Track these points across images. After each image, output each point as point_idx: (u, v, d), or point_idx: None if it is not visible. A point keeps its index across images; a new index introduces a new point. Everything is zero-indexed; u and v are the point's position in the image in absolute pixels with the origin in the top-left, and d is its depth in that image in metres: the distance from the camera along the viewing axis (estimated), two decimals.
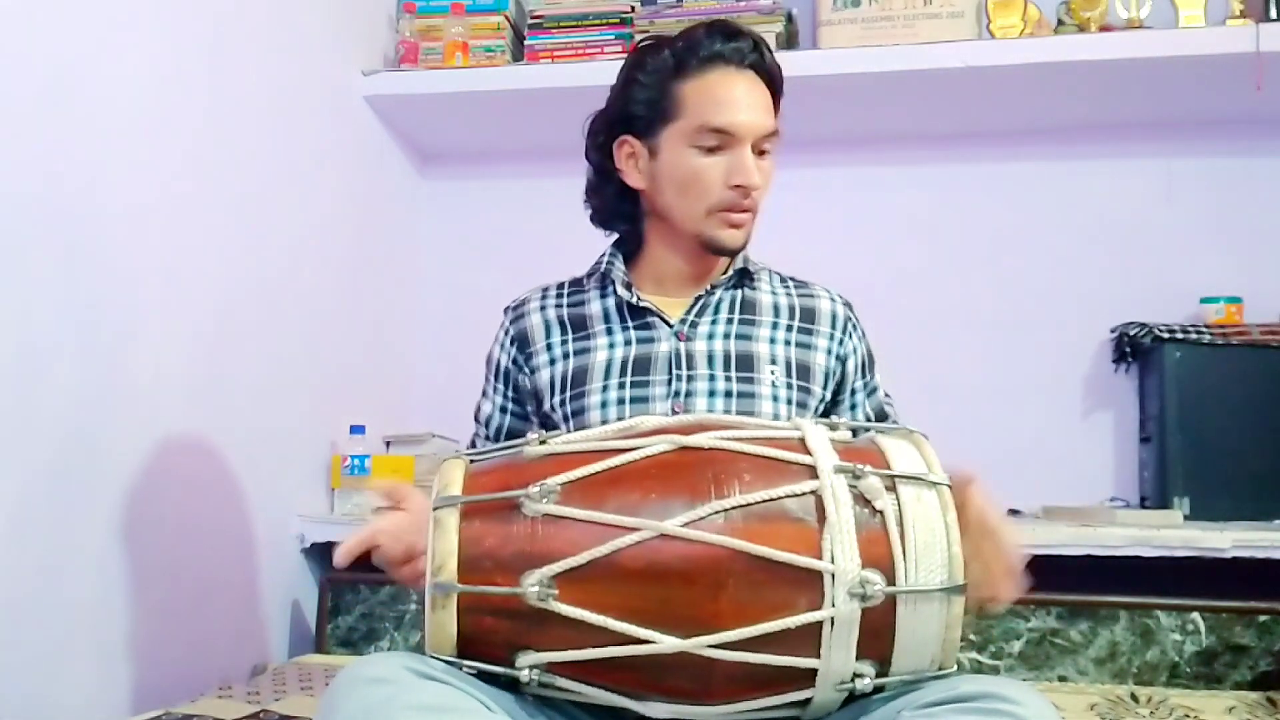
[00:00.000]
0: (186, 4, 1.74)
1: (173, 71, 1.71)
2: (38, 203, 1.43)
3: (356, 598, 2.07)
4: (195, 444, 1.77)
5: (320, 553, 2.14)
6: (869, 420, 1.38)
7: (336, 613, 2.08)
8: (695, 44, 1.29)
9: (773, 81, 1.32)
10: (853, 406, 1.38)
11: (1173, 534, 1.85)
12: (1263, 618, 1.82)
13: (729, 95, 1.27)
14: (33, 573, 1.42)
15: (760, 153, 1.29)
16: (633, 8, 2.37)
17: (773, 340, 1.33)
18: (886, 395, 1.44)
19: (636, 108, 1.31)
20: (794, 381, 1.31)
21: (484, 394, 1.44)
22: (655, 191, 1.32)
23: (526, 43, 2.40)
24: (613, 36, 2.34)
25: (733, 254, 1.34)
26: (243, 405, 1.90)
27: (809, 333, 1.35)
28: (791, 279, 1.42)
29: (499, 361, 1.41)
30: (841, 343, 1.37)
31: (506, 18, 2.42)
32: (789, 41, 2.32)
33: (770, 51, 1.32)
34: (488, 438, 1.42)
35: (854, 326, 1.40)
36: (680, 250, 1.34)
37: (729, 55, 1.28)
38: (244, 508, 1.92)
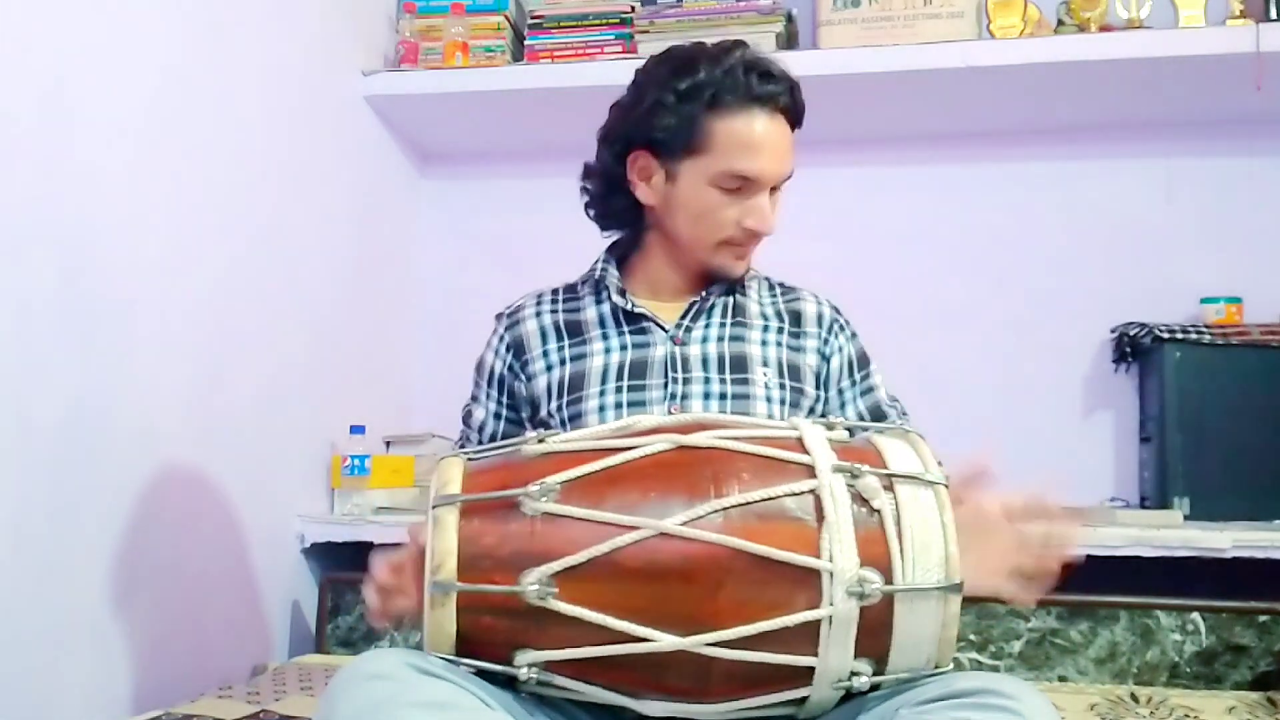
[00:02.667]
0: (186, 4, 1.74)
1: (172, 71, 1.71)
2: (38, 202, 1.43)
3: (356, 598, 2.07)
4: (195, 444, 1.77)
5: (320, 553, 2.14)
6: (862, 419, 1.38)
7: (336, 613, 2.08)
8: (734, 82, 1.26)
9: (797, 122, 1.32)
10: (841, 405, 1.38)
11: (1173, 534, 1.85)
12: (1263, 618, 1.82)
13: (758, 141, 1.27)
14: (33, 573, 1.42)
15: (774, 190, 1.31)
16: (633, 8, 2.36)
17: (764, 343, 1.34)
18: (893, 399, 1.43)
19: (661, 132, 1.29)
20: (786, 382, 1.31)
21: (474, 399, 1.43)
22: (666, 213, 1.33)
23: (526, 43, 2.40)
24: (613, 36, 2.34)
25: (734, 280, 1.36)
26: (243, 405, 1.90)
27: (798, 335, 1.37)
28: (779, 285, 1.44)
29: (493, 367, 1.41)
30: (827, 342, 1.38)
31: (506, 18, 2.42)
32: (789, 41, 2.32)
33: (799, 91, 1.31)
34: (480, 443, 1.42)
35: (840, 327, 1.40)
36: (680, 266, 1.37)
37: (764, 99, 1.27)
38: (244, 508, 1.92)
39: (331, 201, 2.25)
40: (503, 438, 1.38)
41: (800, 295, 1.42)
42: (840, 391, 1.38)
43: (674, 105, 1.28)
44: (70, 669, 1.49)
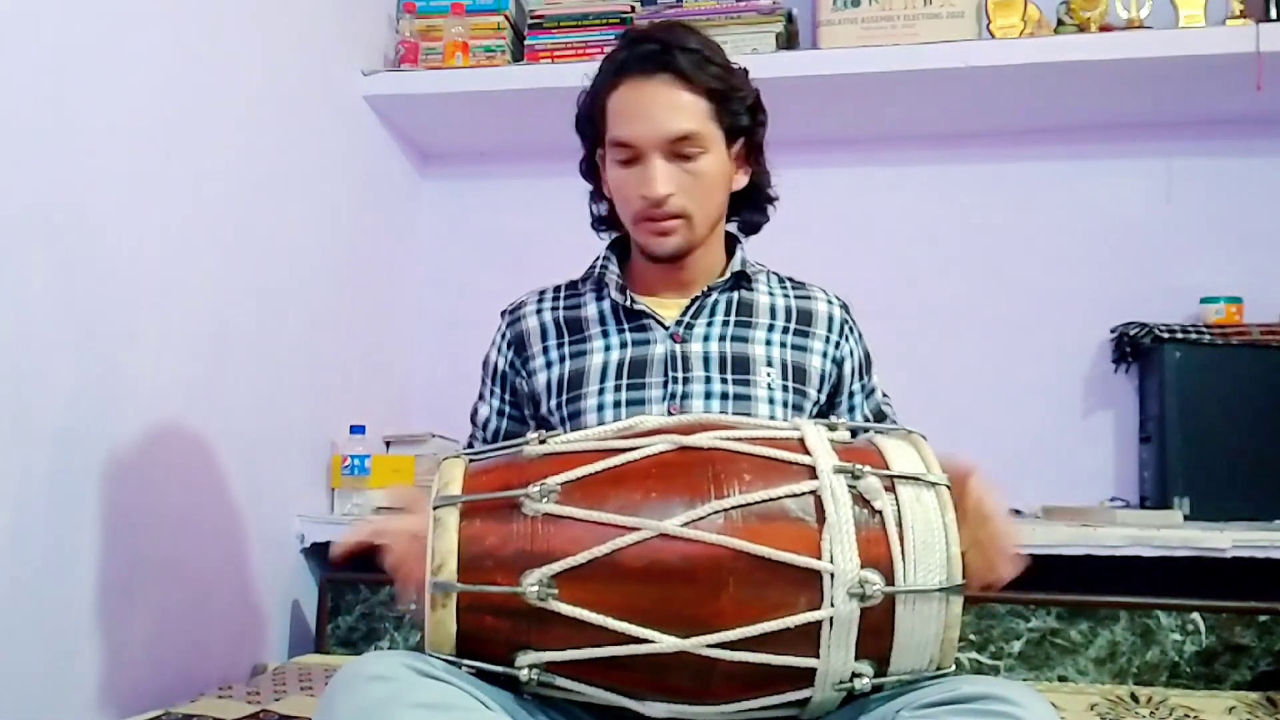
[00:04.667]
0: (186, 5, 1.74)
1: (172, 71, 1.71)
2: (38, 202, 1.43)
3: (356, 598, 2.07)
4: (195, 444, 1.77)
5: (320, 553, 2.14)
6: (868, 422, 1.37)
7: (336, 613, 2.08)
8: (616, 59, 1.28)
9: (691, 81, 1.24)
10: (851, 409, 1.38)
11: (1173, 534, 1.85)
12: (1263, 618, 1.82)
13: (630, 107, 1.26)
14: (33, 573, 1.42)
15: (681, 156, 1.25)
16: (633, 8, 2.37)
17: (769, 342, 1.33)
18: (885, 396, 1.43)
19: (586, 124, 1.34)
20: (790, 384, 1.30)
21: (481, 397, 1.44)
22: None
23: (526, 43, 2.40)
24: (613, 36, 2.32)
25: (666, 261, 1.32)
26: (243, 405, 1.90)
27: (805, 335, 1.35)
28: (790, 280, 1.42)
29: (496, 365, 1.41)
30: (838, 345, 1.36)
31: (506, 18, 2.43)
32: (789, 41, 2.32)
33: (691, 51, 1.24)
34: (485, 440, 1.42)
35: (850, 329, 1.39)
36: (643, 257, 1.35)
37: (633, 64, 1.26)
38: (244, 508, 1.92)
39: (331, 201, 2.25)
40: (507, 435, 1.39)
41: (811, 293, 1.40)
42: (851, 395, 1.38)
43: (587, 101, 1.33)
44: (70, 669, 1.49)
